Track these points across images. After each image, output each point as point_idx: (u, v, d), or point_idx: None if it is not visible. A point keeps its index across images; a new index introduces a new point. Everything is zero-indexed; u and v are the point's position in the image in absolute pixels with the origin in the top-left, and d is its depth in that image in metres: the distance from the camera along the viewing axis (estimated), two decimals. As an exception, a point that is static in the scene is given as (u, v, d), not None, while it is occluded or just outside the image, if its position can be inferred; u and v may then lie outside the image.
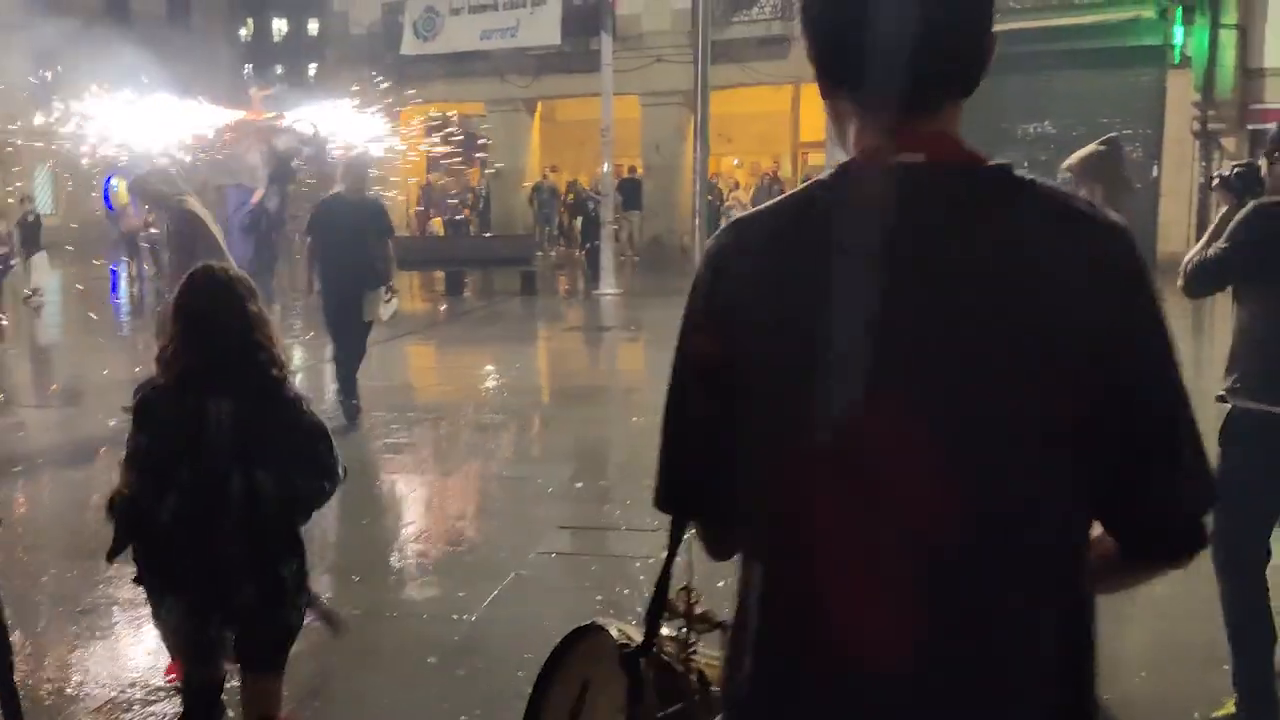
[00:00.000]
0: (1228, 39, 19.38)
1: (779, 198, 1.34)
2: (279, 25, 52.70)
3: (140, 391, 2.98)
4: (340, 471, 3.03)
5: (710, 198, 20.12)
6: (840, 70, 1.28)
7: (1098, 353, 1.16)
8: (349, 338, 8.49)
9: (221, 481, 2.86)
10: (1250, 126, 18.61)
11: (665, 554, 1.44)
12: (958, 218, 1.21)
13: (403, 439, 8.02)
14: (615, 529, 5.94)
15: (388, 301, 8.58)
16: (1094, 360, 1.16)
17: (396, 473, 7.29)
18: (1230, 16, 19.29)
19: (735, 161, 28.97)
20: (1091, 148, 5.57)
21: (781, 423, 1.23)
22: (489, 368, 11.17)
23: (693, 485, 1.38)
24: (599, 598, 4.90)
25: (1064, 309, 1.16)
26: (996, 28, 1.27)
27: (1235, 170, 4.32)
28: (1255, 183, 4.07)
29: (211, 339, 2.91)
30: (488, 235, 23.36)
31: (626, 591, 5.01)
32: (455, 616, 4.72)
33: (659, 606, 1.49)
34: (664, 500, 1.42)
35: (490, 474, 7.21)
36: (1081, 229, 1.20)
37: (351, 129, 13.37)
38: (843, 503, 1.19)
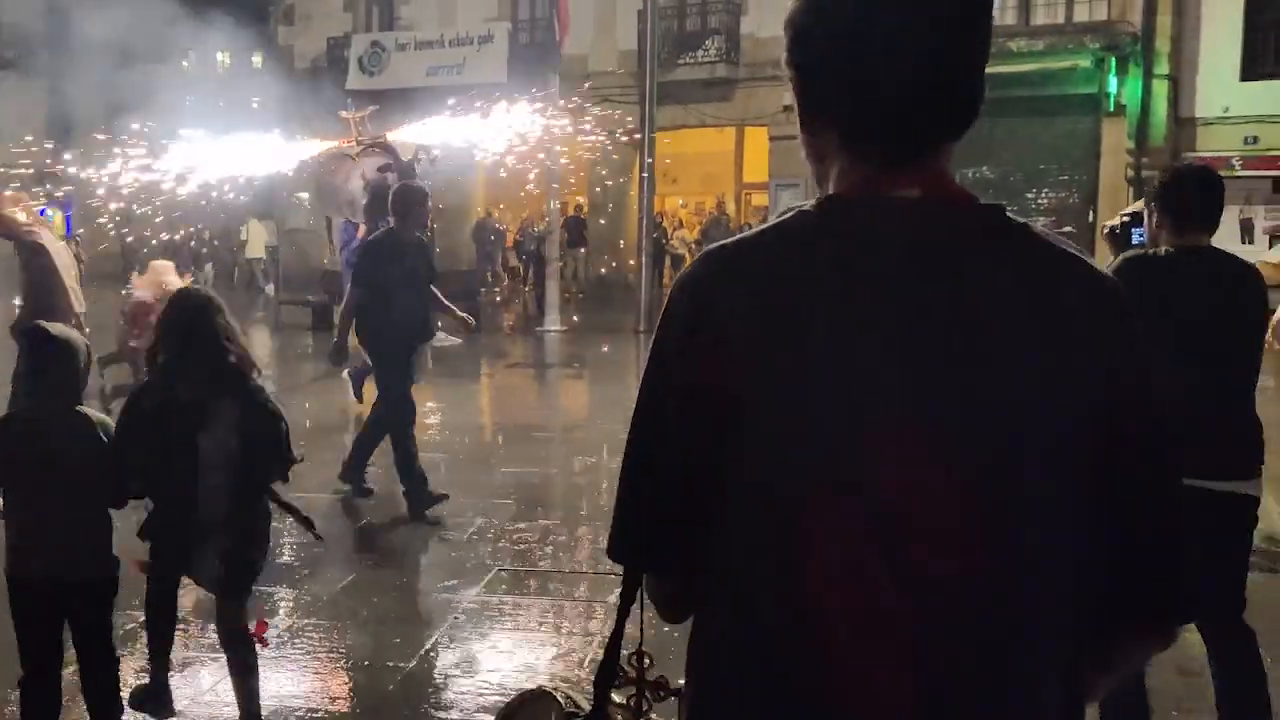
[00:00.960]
0: (1160, 89, 19.95)
1: (758, 229, 1.26)
2: (222, 57, 52.26)
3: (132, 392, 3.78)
4: (296, 453, 3.79)
5: (655, 235, 20.18)
6: (828, 104, 1.24)
7: (1101, 397, 1.14)
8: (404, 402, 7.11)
9: (196, 455, 3.54)
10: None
11: (617, 613, 1.33)
12: (961, 254, 1.17)
13: (339, 478, 7.81)
14: (557, 571, 5.82)
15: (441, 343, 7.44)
16: (1096, 405, 1.14)
17: (332, 513, 7.10)
18: (1163, 67, 19.87)
19: (681, 202, 29.13)
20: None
21: (784, 463, 1.15)
22: (429, 404, 10.99)
23: (661, 532, 1.26)
24: (540, 643, 4.79)
25: (1070, 352, 1.14)
26: None
27: (1122, 220, 4.28)
28: (1138, 229, 4.04)
29: (189, 343, 3.60)
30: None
31: (569, 636, 4.89)
32: (391, 664, 4.57)
33: (610, 672, 1.38)
34: (624, 549, 1.30)
35: (429, 513, 7.04)
36: (1080, 274, 1.19)
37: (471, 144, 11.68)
38: (851, 550, 1.12)
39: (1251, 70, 19.73)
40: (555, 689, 1.51)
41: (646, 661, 1.40)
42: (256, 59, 22.18)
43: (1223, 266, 3.40)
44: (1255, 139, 19.64)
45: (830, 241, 1.19)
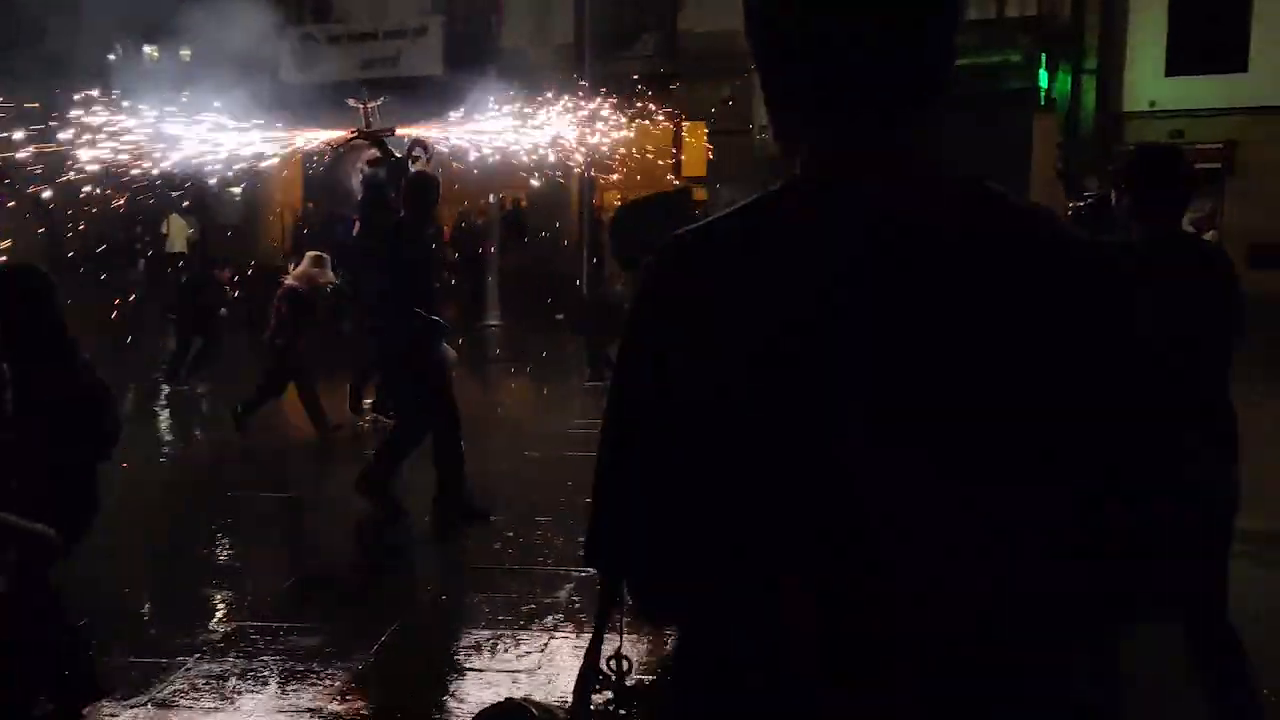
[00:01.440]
0: (1089, 84, 20.35)
1: (720, 214, 1.22)
2: (149, 50, 51.15)
3: None
4: (117, 431, 3.99)
5: (594, 235, 20.18)
6: (784, 79, 1.21)
7: (1087, 377, 1.09)
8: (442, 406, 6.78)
9: (20, 424, 3.57)
10: (1111, 167, 19.52)
11: (596, 618, 1.30)
12: (922, 246, 1.12)
13: (283, 478, 7.70)
14: (508, 568, 5.78)
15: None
16: (1080, 387, 1.09)
17: (278, 514, 6.99)
18: (1091, 62, 20.27)
19: (619, 198, 29.14)
20: None
21: (764, 463, 1.11)
22: (369, 401, 10.87)
23: (635, 536, 1.22)
24: (491, 641, 4.75)
25: (1054, 336, 1.09)
26: None
27: (1088, 200, 4.34)
28: (1106, 213, 4.10)
29: (18, 317, 3.77)
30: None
31: (520, 633, 4.86)
32: (343, 663, 4.51)
33: (591, 678, 1.35)
34: (601, 552, 1.26)
35: (382, 509, 6.95)
36: (1059, 249, 1.14)
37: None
38: (831, 560, 1.09)
39: (1176, 66, 20.18)
40: (526, 699, 1.48)
41: (625, 665, 1.37)
42: (185, 53, 21.63)
43: (1200, 254, 3.40)
44: (1180, 133, 20.09)
45: (782, 235, 1.16)
